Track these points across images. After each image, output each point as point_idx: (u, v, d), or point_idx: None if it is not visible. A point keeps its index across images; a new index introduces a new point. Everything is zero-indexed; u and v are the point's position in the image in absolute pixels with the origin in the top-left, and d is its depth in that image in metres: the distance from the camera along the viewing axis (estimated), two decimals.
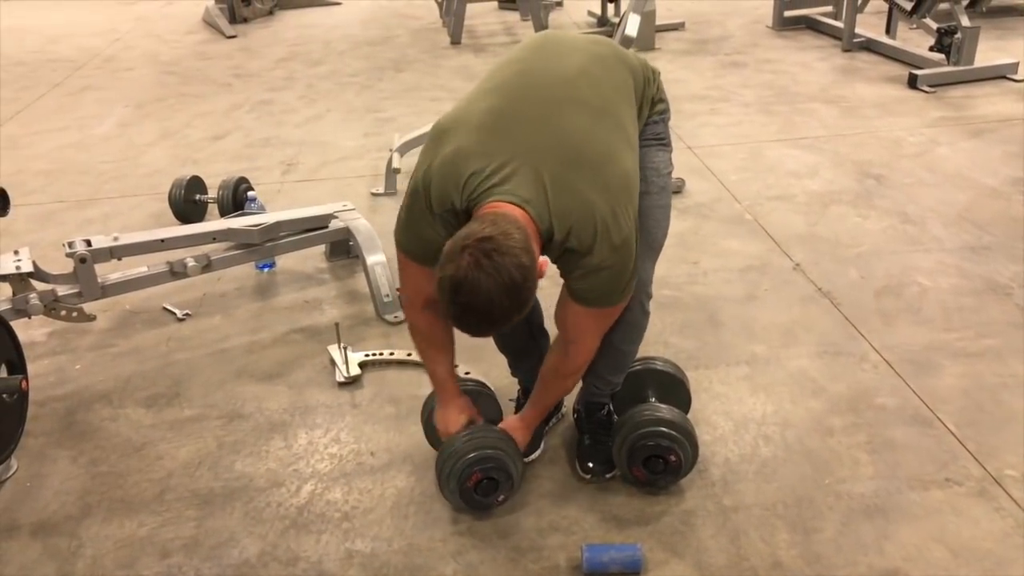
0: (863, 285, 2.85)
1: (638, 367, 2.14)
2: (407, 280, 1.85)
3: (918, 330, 2.60)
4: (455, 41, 6.30)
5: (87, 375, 2.58)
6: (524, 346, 2.14)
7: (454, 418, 1.97)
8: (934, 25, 4.88)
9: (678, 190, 3.59)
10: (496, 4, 7.34)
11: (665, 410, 1.99)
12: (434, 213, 1.66)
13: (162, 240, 2.71)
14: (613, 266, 1.66)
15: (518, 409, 2.20)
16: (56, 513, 2.04)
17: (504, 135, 1.64)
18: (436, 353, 1.94)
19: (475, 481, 1.90)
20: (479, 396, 2.10)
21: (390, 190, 3.76)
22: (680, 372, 2.18)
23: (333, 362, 2.53)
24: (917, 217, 3.29)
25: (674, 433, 1.94)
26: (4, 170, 4.23)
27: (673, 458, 1.95)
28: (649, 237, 1.85)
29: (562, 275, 1.73)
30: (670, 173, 1.93)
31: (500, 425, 2.02)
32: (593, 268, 1.65)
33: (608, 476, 2.06)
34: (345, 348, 2.52)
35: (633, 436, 1.95)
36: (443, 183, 1.63)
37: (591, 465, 2.08)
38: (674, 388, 2.13)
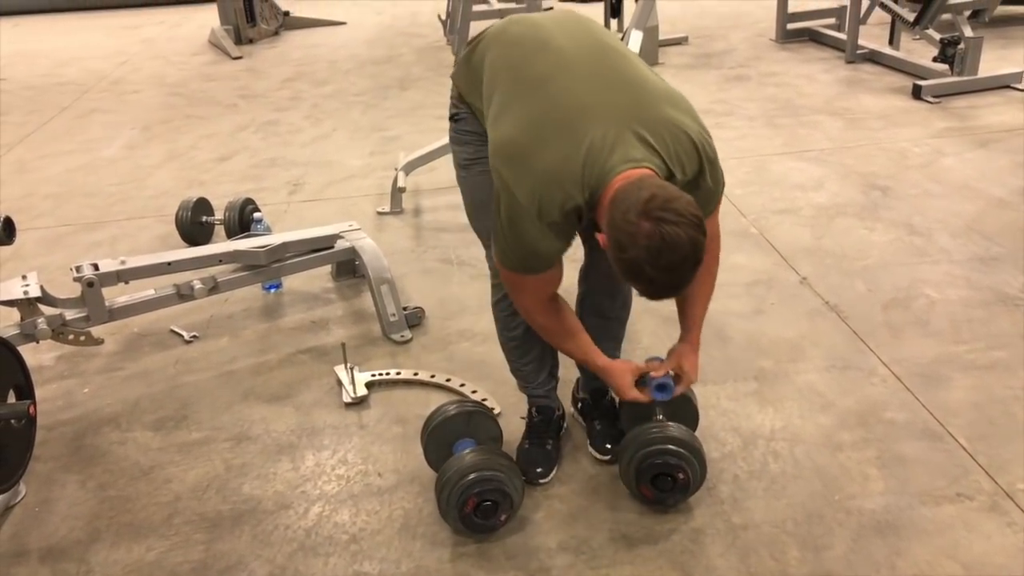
0: (870, 298, 2.84)
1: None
2: (525, 294, 1.85)
3: (927, 343, 2.58)
4: None
5: (95, 399, 2.59)
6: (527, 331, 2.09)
7: (627, 381, 1.94)
8: (937, 36, 4.88)
9: None
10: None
11: (673, 427, 1.98)
12: (551, 223, 1.66)
13: (169, 263, 2.71)
14: (715, 175, 1.74)
15: (583, 410, 2.25)
16: (65, 538, 2.04)
17: (584, 114, 1.65)
18: (576, 337, 1.92)
19: (473, 506, 1.89)
20: (475, 416, 2.09)
21: (396, 209, 3.77)
22: (688, 389, 2.17)
23: (340, 383, 2.53)
24: (924, 229, 3.28)
25: (682, 451, 1.93)
26: (13, 194, 4.26)
27: (682, 476, 1.94)
28: None
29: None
30: None
31: (669, 361, 1.98)
32: (704, 188, 1.72)
33: None
34: (352, 368, 2.52)
35: (641, 454, 1.94)
36: (561, 187, 1.63)
37: (608, 447, 2.13)
38: (682, 405, 2.12)
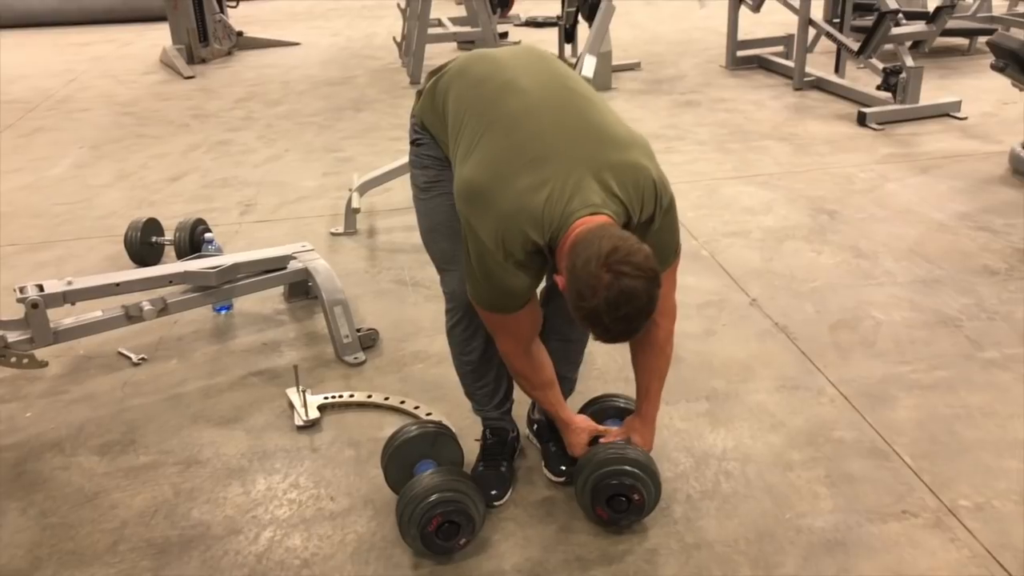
0: (818, 319, 2.90)
1: (600, 404, 2.15)
2: (506, 334, 1.88)
3: (873, 363, 2.64)
4: (414, 81, 6.35)
5: (38, 423, 2.52)
6: (487, 351, 2.09)
7: (582, 440, 2.02)
8: (880, 65, 5.03)
9: None
10: (455, 45, 7.42)
11: (629, 448, 2.00)
12: (516, 262, 1.70)
13: (117, 284, 2.66)
14: (669, 225, 1.79)
15: (538, 432, 2.24)
16: (4, 567, 1.97)
17: (547, 158, 1.68)
18: (547, 390, 1.98)
19: (436, 525, 1.88)
20: (439, 438, 2.09)
21: (350, 229, 3.75)
22: None
23: (292, 405, 2.50)
24: (869, 251, 3.36)
25: (637, 472, 1.95)
26: None
27: (637, 497, 1.95)
28: None
29: None
30: None
31: (622, 429, 2.05)
32: (655, 233, 1.75)
33: None
34: (304, 391, 2.49)
35: (596, 475, 1.95)
36: (521, 228, 1.66)
37: (563, 468, 2.13)
38: None
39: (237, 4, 8.15)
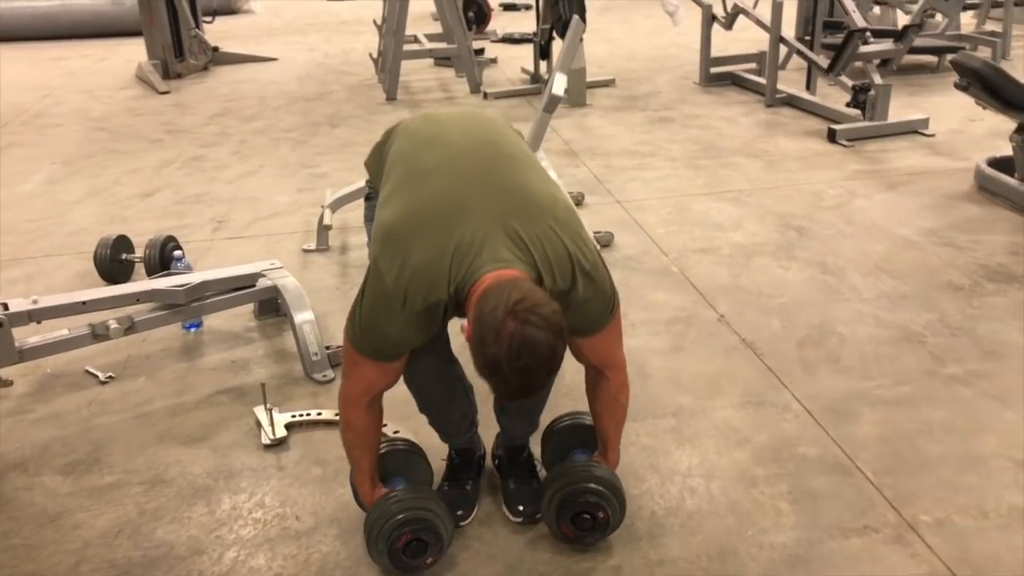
0: (785, 335, 2.93)
1: (567, 422, 2.16)
2: (358, 379, 1.84)
3: (838, 379, 2.67)
4: (391, 97, 6.37)
5: (2, 443, 2.50)
6: (448, 388, 2.09)
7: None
8: (849, 82, 5.10)
9: (607, 244, 3.66)
10: (431, 61, 7.45)
11: (594, 466, 2.01)
12: (412, 312, 1.68)
13: (83, 302, 2.65)
14: (595, 291, 1.76)
15: (499, 467, 2.22)
16: None
17: (462, 212, 1.70)
18: (364, 453, 1.94)
19: (404, 542, 1.88)
20: (410, 456, 2.09)
21: (322, 246, 3.75)
22: None
23: (259, 424, 2.49)
24: (836, 268, 3.40)
25: (602, 489, 1.96)
26: None
27: (601, 515, 1.96)
28: None
29: None
30: None
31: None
32: (580, 301, 1.74)
33: (538, 516, 2.07)
34: (271, 409, 2.48)
35: (561, 493, 1.96)
36: (428, 278, 1.66)
37: (521, 508, 2.11)
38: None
39: (213, 19, 8.16)
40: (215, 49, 7.74)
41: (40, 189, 4.68)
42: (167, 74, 7.25)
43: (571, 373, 2.66)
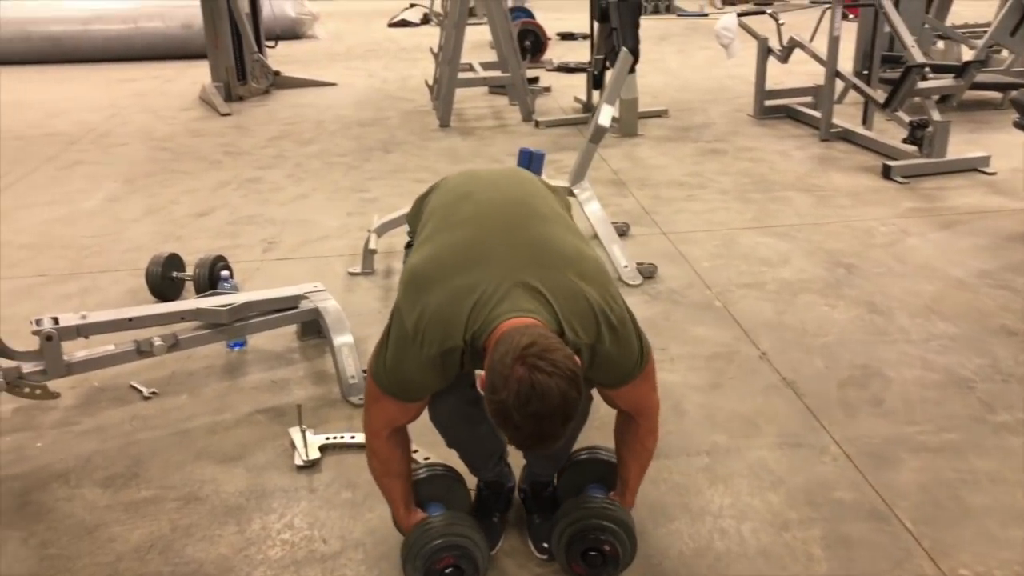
0: (827, 375, 2.87)
1: (584, 456, 2.14)
2: (379, 413, 1.87)
3: (880, 422, 2.60)
4: (444, 124, 6.45)
5: (47, 453, 2.57)
6: (474, 428, 2.09)
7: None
8: (907, 118, 5.01)
9: (650, 276, 3.64)
10: (486, 89, 7.53)
11: (607, 504, 1.99)
12: (429, 357, 1.69)
13: (130, 319, 2.73)
14: (622, 345, 1.74)
15: (524, 501, 2.21)
16: None
17: (485, 263, 1.72)
18: (392, 480, 1.96)
19: (444, 565, 1.89)
20: (448, 482, 2.10)
21: (367, 270, 3.80)
22: None
23: (294, 445, 2.53)
24: (884, 307, 3.33)
25: (605, 523, 1.93)
26: None
27: (608, 548, 1.93)
28: None
29: (586, 378, 1.75)
30: None
31: None
32: (605, 355, 1.73)
33: None
34: (305, 431, 2.51)
35: (572, 528, 1.95)
36: (445, 324, 1.67)
37: (545, 545, 2.09)
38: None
39: (276, 44, 8.36)
40: (276, 73, 7.93)
41: (101, 206, 4.84)
42: (229, 96, 7.45)
43: (605, 407, 2.66)
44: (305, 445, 2.48)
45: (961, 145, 5.18)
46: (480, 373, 1.62)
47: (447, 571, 1.89)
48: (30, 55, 9.87)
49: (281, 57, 8.68)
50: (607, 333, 1.70)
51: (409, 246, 2.11)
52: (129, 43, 10.00)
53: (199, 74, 8.12)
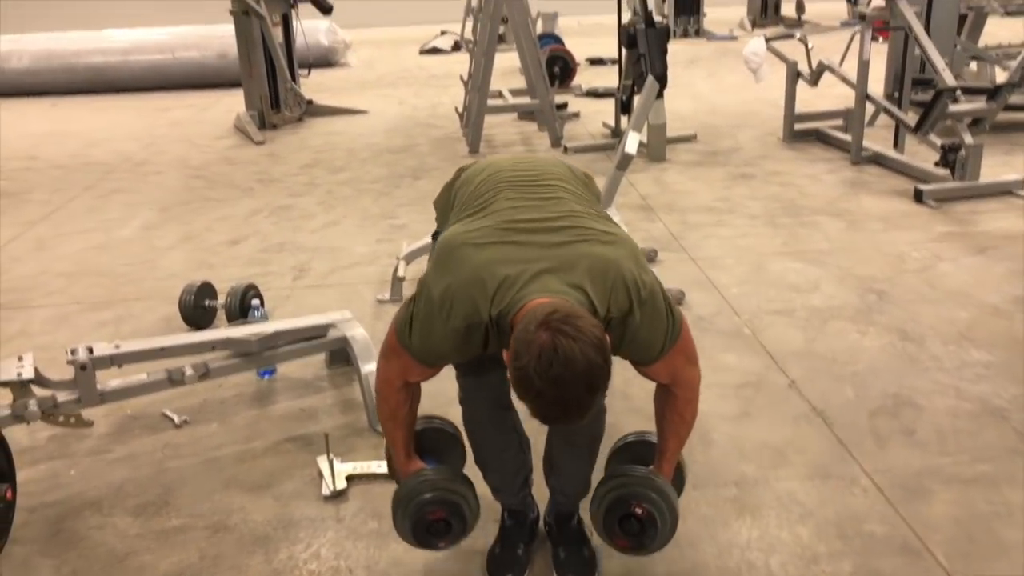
0: (858, 405, 2.83)
1: (631, 439, 2.09)
2: (395, 366, 1.86)
3: (912, 453, 2.56)
4: (473, 150, 6.49)
5: (81, 481, 2.62)
6: (504, 436, 2.11)
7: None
8: (939, 141, 4.96)
9: (679, 302, 3.62)
10: (515, 115, 7.58)
11: (634, 469, 1.95)
12: (453, 328, 1.69)
13: (162, 348, 2.77)
14: (653, 319, 1.73)
15: (549, 534, 2.20)
16: None
17: (514, 242, 1.73)
18: (396, 426, 1.96)
19: (434, 518, 1.89)
20: (446, 437, 2.09)
21: (395, 297, 3.83)
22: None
23: (321, 474, 2.54)
24: (916, 335, 3.28)
25: (640, 489, 1.88)
26: (27, 271, 4.39)
27: (639, 510, 1.86)
28: None
29: (618, 355, 1.75)
30: None
31: None
32: (637, 328, 1.71)
33: None
34: (332, 460, 2.53)
35: (606, 501, 1.90)
36: (471, 299, 1.67)
37: None
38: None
39: (309, 73, 8.50)
40: (309, 102, 8.06)
41: (137, 234, 4.93)
42: (263, 124, 7.58)
43: (638, 389, 2.65)
44: (332, 475, 2.49)
45: (995, 168, 5.12)
46: (506, 352, 1.60)
47: (436, 525, 1.89)
48: (74, 85, 10.14)
49: (314, 85, 8.83)
50: (638, 308, 1.69)
51: (436, 236, 2.09)
52: (167, 72, 10.23)
53: (234, 102, 8.27)
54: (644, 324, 1.72)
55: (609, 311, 1.69)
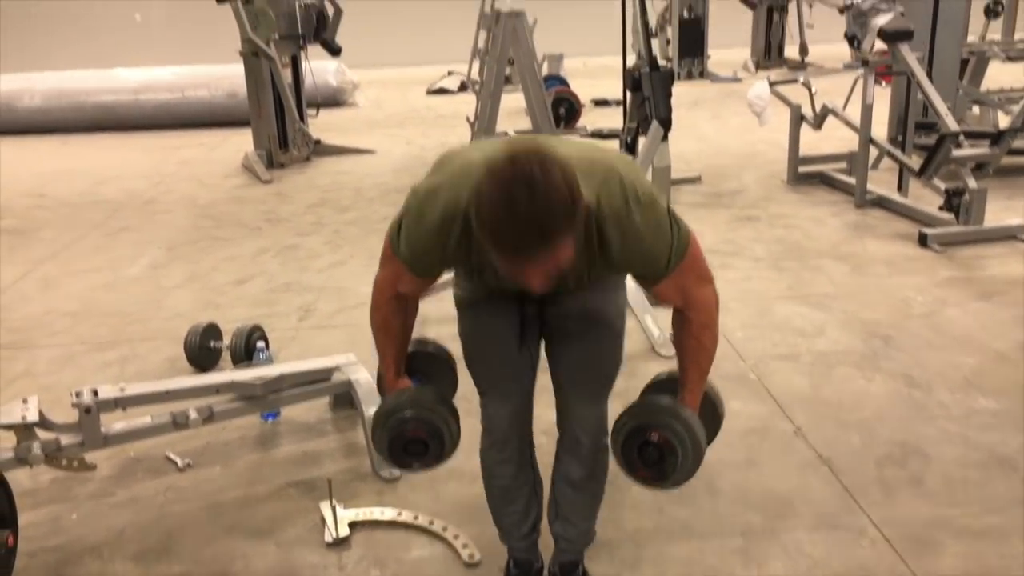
0: (865, 453, 2.81)
1: (663, 376, 2.01)
2: (387, 272, 1.86)
3: (920, 504, 2.54)
4: None
5: (82, 525, 2.60)
6: (519, 471, 2.10)
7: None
8: (942, 185, 4.98)
9: None
10: None
11: (655, 398, 1.90)
12: (432, 223, 1.67)
13: (167, 391, 2.77)
14: (653, 224, 1.67)
15: None
16: None
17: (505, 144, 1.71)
18: (387, 340, 1.96)
19: (412, 437, 1.87)
20: (439, 362, 2.09)
21: None
22: (712, 389, 2.01)
23: (324, 520, 2.53)
24: (923, 381, 3.27)
25: (660, 416, 1.81)
26: (34, 310, 4.40)
27: (657, 438, 1.79)
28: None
29: (625, 272, 1.74)
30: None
31: None
32: (636, 234, 1.65)
33: None
34: (335, 507, 2.51)
35: (624, 431, 1.84)
36: (455, 187, 1.65)
37: None
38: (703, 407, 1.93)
39: (318, 113, 8.58)
40: (317, 141, 8.13)
41: (144, 273, 4.95)
42: (271, 164, 7.64)
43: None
44: (335, 521, 2.48)
45: (999, 212, 5.13)
46: None
47: (414, 444, 1.87)
48: (83, 123, 10.23)
49: (322, 125, 8.89)
50: (635, 207, 1.63)
51: None
52: (177, 111, 10.33)
53: (243, 141, 8.35)
54: (645, 230, 1.65)
55: (599, 204, 1.62)
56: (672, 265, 1.71)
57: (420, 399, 1.91)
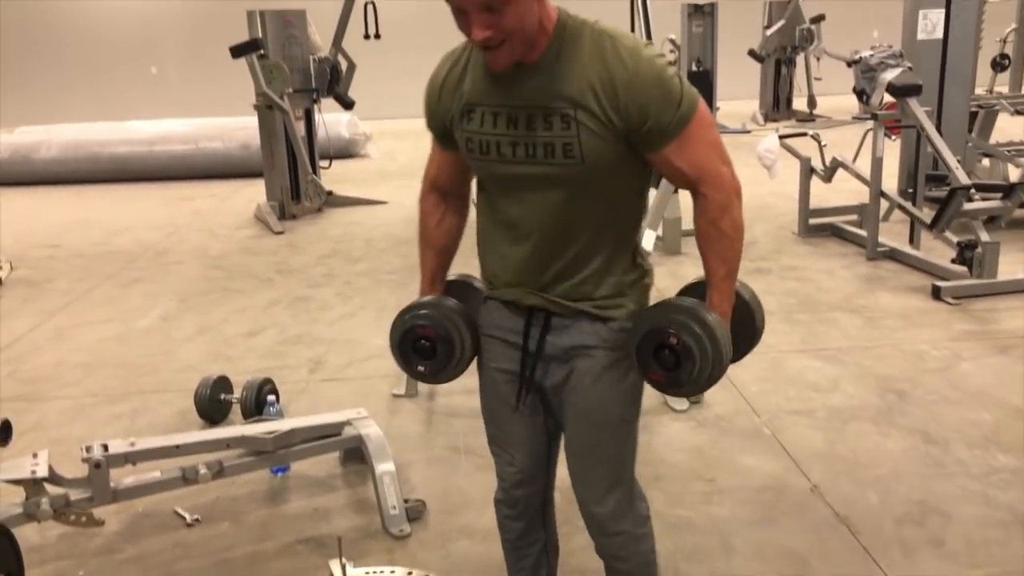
0: (883, 511, 2.76)
1: (695, 281, 1.86)
2: (430, 160, 1.95)
3: (940, 564, 2.49)
4: None
5: None
6: (528, 535, 2.07)
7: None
8: (955, 238, 4.97)
9: (697, 401, 3.59)
10: None
11: (677, 299, 1.77)
12: (438, 70, 1.79)
13: (177, 446, 2.76)
14: (649, 71, 1.59)
15: None
16: None
17: None
18: (426, 250, 2.00)
19: (422, 334, 1.85)
20: (468, 289, 2.05)
21: (411, 392, 3.81)
22: (751, 296, 1.91)
23: None
24: (940, 438, 3.23)
25: (677, 316, 1.67)
26: (45, 361, 4.41)
27: (674, 340, 1.66)
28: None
29: (623, 131, 1.61)
30: None
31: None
32: (632, 84, 1.58)
33: None
34: (344, 565, 2.47)
35: (641, 331, 1.72)
36: (450, 54, 1.78)
37: None
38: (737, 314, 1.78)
39: (330, 164, 8.67)
40: (329, 192, 8.20)
41: (155, 325, 4.97)
42: (283, 215, 7.70)
43: None
44: None
45: (1012, 265, 5.11)
46: None
47: (423, 344, 1.85)
48: (98, 175, 10.37)
49: (334, 176, 8.98)
50: (624, 52, 1.59)
51: None
52: (191, 163, 10.45)
53: (255, 192, 8.44)
54: (642, 71, 1.59)
55: (584, 23, 1.65)
56: (681, 116, 1.61)
57: (440, 303, 1.92)
